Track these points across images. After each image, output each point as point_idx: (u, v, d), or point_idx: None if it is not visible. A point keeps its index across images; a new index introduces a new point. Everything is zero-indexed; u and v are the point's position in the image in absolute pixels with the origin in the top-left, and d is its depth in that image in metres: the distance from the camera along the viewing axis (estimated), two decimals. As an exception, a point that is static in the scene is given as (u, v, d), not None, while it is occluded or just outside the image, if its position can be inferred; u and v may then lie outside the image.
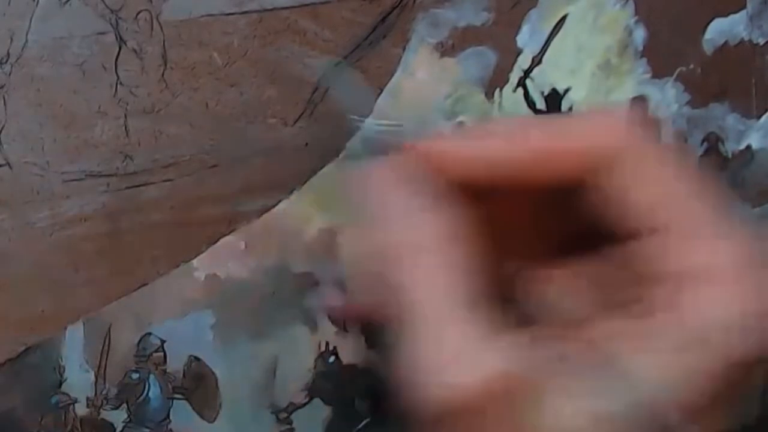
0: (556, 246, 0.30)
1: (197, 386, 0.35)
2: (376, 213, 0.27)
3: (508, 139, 0.27)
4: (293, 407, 0.36)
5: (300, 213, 0.36)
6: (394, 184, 0.27)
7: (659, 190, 0.26)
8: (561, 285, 0.29)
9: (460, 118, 0.37)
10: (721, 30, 0.39)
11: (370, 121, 0.34)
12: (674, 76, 0.39)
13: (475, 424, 0.25)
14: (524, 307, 0.28)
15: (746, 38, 0.40)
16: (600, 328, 0.27)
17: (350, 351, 0.37)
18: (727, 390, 0.25)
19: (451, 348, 0.24)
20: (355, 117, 0.35)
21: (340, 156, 0.36)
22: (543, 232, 0.30)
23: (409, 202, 0.26)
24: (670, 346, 0.25)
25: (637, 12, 0.38)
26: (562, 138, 0.27)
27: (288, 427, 0.36)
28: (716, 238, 0.25)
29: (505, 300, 0.29)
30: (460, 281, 0.25)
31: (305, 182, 0.36)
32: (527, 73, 0.38)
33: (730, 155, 0.40)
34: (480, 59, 0.37)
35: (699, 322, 0.25)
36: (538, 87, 0.38)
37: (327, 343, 0.36)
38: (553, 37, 0.38)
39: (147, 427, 0.35)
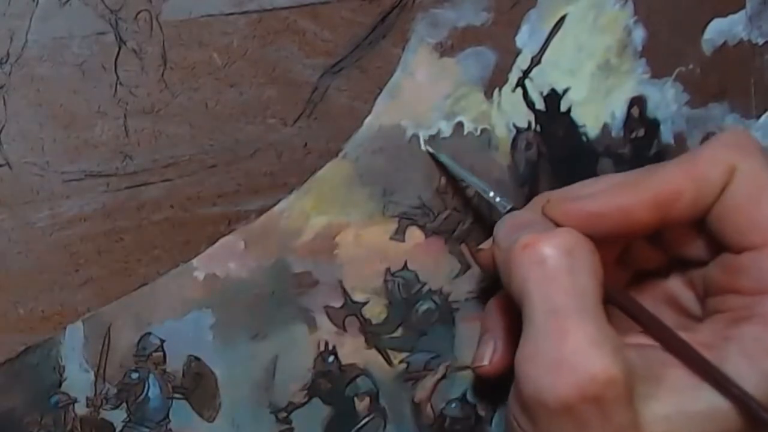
0: (653, 259, 0.32)
1: (197, 386, 0.35)
2: (512, 231, 0.30)
3: (627, 191, 0.30)
4: (293, 407, 0.36)
5: (300, 213, 0.36)
6: (531, 216, 0.31)
7: (763, 211, 0.29)
8: (667, 293, 0.32)
9: (460, 118, 0.37)
10: (720, 30, 0.39)
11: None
12: (673, 76, 0.39)
13: (584, 419, 0.26)
14: (634, 315, 0.30)
15: (745, 38, 0.40)
16: (709, 332, 0.29)
17: (350, 351, 0.37)
18: None
19: (574, 345, 0.27)
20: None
21: (340, 156, 0.36)
22: (639, 248, 0.33)
23: (545, 224, 0.30)
24: (751, 347, 0.28)
25: (636, 12, 0.38)
26: (675, 178, 0.29)
27: (287, 426, 0.36)
28: None
29: (619, 306, 0.31)
30: (593, 285, 0.28)
31: (305, 182, 0.36)
32: (526, 73, 0.38)
33: (729, 155, 0.40)
34: (479, 59, 0.37)
35: None
36: (537, 87, 0.38)
37: (326, 343, 0.36)
38: (553, 37, 0.38)
39: (146, 427, 0.35)
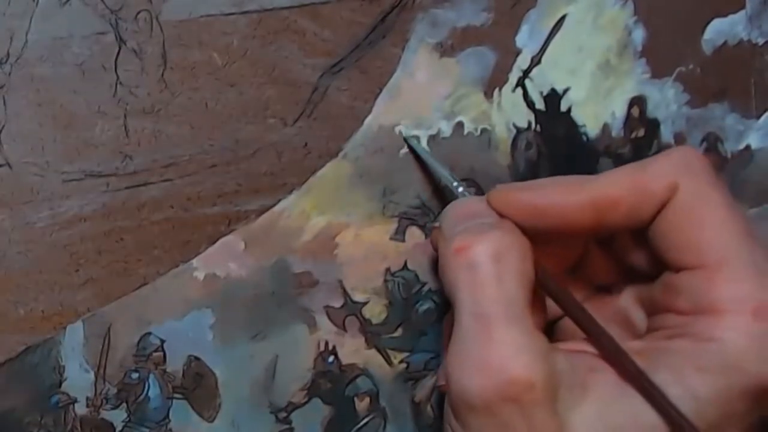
0: (607, 272, 0.32)
1: (197, 386, 0.35)
2: (455, 221, 0.30)
3: (570, 189, 0.30)
4: (292, 407, 0.36)
5: (300, 213, 0.36)
6: (477, 204, 0.31)
7: (711, 230, 0.29)
8: (618, 310, 0.32)
9: (460, 118, 0.37)
10: (720, 30, 0.39)
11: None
12: (673, 76, 0.39)
13: (507, 421, 0.27)
14: (571, 323, 0.31)
15: (745, 38, 0.40)
16: (644, 343, 0.29)
17: (349, 351, 0.37)
18: (756, 409, 0.28)
19: (498, 349, 0.27)
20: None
21: (340, 156, 0.36)
22: (595, 259, 0.33)
23: (488, 215, 0.30)
24: (710, 368, 0.27)
25: (636, 12, 0.38)
26: (617, 185, 0.29)
27: (287, 426, 0.36)
28: (758, 278, 0.28)
29: (554, 315, 0.31)
30: (521, 291, 0.28)
31: (305, 182, 0.36)
32: (526, 73, 0.38)
33: (729, 155, 0.40)
34: (479, 59, 0.37)
35: (736, 351, 0.27)
36: (537, 87, 0.38)
37: (326, 343, 0.36)
38: (553, 37, 0.38)
39: (146, 427, 0.35)
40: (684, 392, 0.27)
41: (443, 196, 0.37)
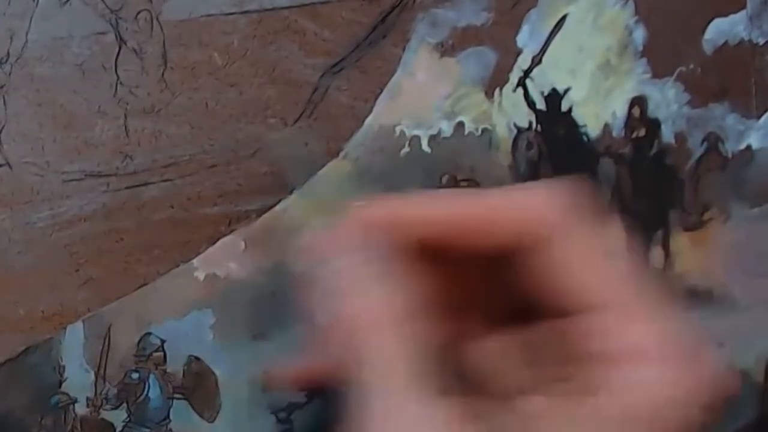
0: (500, 314, 0.30)
1: (197, 386, 0.35)
2: (330, 281, 0.27)
3: (450, 203, 0.27)
4: (293, 407, 0.36)
5: (300, 213, 0.36)
6: (347, 250, 0.27)
7: (593, 271, 0.27)
8: (499, 354, 0.30)
9: (460, 118, 0.37)
10: (721, 30, 0.39)
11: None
12: (674, 76, 0.39)
13: None
14: (467, 375, 0.29)
15: (746, 38, 0.40)
16: (531, 403, 0.27)
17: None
18: None
19: (398, 424, 0.25)
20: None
21: (340, 156, 0.36)
22: (488, 299, 0.31)
23: (364, 270, 0.27)
24: (603, 425, 0.26)
25: (637, 12, 0.38)
26: (499, 207, 0.27)
27: (287, 426, 0.36)
28: (648, 321, 0.26)
29: (451, 365, 0.29)
30: (413, 354, 0.26)
31: (305, 182, 0.36)
32: (527, 73, 0.38)
33: (730, 155, 0.40)
34: (480, 59, 0.37)
35: (631, 401, 0.26)
36: (538, 87, 0.38)
37: (327, 343, 0.36)
38: (553, 37, 0.38)
39: (147, 427, 0.35)
40: None
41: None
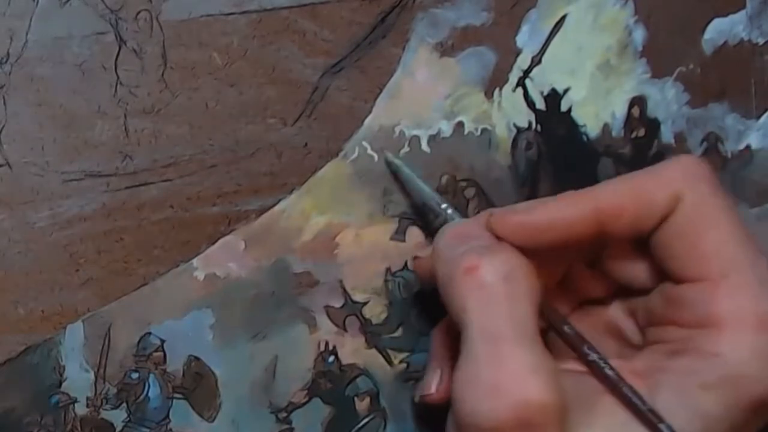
0: (593, 286, 0.32)
1: (197, 386, 0.35)
2: (454, 243, 0.30)
3: (570, 202, 0.30)
4: (293, 407, 0.36)
5: (300, 213, 0.36)
6: (472, 227, 0.31)
7: (714, 242, 0.28)
8: (608, 321, 0.31)
9: (460, 118, 0.37)
10: (720, 30, 0.39)
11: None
12: (674, 76, 0.39)
13: None
14: (573, 340, 0.31)
15: (746, 38, 0.40)
16: (645, 362, 0.29)
17: (350, 351, 0.37)
18: (762, 420, 0.28)
19: (510, 370, 0.27)
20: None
21: (340, 156, 0.36)
22: (580, 273, 0.33)
23: (485, 238, 0.30)
24: (714, 384, 0.27)
25: (636, 12, 0.38)
26: (620, 194, 0.29)
27: (287, 426, 0.36)
28: (761, 291, 0.28)
29: (556, 332, 0.31)
30: (531, 312, 0.28)
31: (305, 182, 0.36)
32: (527, 73, 0.38)
33: (729, 155, 0.40)
34: (479, 59, 0.37)
35: (737, 362, 0.27)
36: (537, 87, 0.38)
37: (326, 343, 0.36)
38: (553, 37, 0.38)
39: (147, 427, 0.35)
40: (690, 414, 0.27)
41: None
